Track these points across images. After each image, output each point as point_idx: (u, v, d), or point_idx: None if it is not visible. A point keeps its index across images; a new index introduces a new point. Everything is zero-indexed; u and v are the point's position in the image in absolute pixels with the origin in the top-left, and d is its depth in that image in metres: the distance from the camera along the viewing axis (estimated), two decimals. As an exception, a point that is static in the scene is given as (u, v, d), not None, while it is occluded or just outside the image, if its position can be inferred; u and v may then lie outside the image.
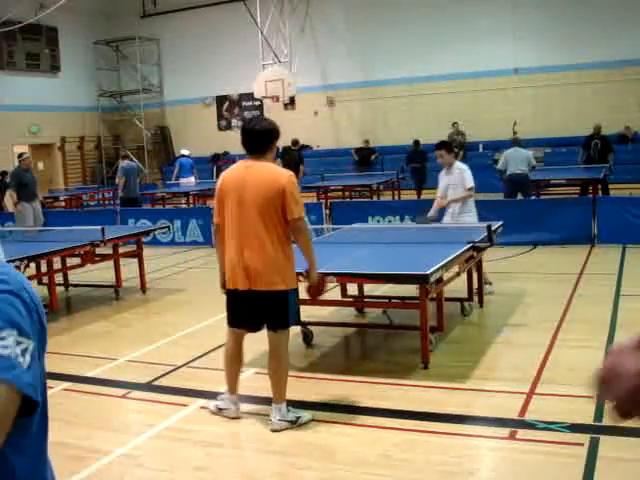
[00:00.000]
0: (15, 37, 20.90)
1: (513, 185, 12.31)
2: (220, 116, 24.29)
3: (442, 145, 7.89)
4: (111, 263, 8.88)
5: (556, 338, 6.08)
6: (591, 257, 9.59)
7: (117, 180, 15.32)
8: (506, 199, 12.05)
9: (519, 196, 12.34)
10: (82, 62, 23.82)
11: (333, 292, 6.94)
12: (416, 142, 17.52)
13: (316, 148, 22.25)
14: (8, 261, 6.88)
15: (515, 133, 16.83)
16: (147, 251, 9.57)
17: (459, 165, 7.78)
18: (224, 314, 4.65)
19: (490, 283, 7.77)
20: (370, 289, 7.35)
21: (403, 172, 17.36)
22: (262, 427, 4.53)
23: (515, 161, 12.31)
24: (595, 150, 15.00)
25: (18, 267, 7.05)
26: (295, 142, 17.79)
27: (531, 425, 4.33)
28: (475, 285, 7.19)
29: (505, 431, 4.32)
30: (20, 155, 12.89)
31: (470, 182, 7.60)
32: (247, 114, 23.42)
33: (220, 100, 24.18)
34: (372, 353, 6.21)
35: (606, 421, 4.31)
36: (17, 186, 12.31)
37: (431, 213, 7.94)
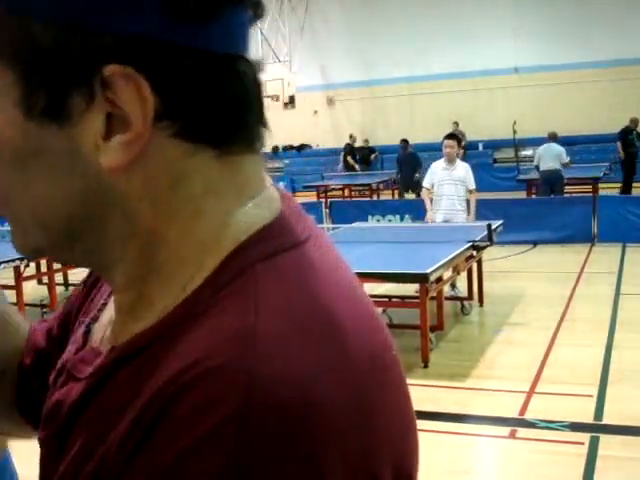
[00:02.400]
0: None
1: (545, 181, 12.20)
2: (220, 115, 24.30)
3: (455, 136, 7.83)
4: (111, 262, 8.85)
5: (556, 337, 6.08)
6: (591, 256, 9.58)
7: None
8: (512, 198, 12.00)
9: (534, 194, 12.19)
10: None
11: (333, 291, 6.93)
12: (404, 141, 16.43)
13: (316, 147, 22.26)
14: (8, 261, 6.87)
15: (515, 132, 16.82)
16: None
17: (463, 163, 7.69)
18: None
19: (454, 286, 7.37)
20: (370, 288, 7.35)
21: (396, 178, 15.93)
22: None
23: (546, 158, 12.15)
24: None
25: (18, 267, 7.05)
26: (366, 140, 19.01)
27: (531, 424, 4.33)
28: (475, 284, 7.19)
29: (505, 430, 4.32)
30: None
31: (474, 183, 7.57)
32: (247, 113, 23.41)
33: (220, 99, 24.18)
34: (372, 352, 6.20)
35: (606, 420, 4.32)
36: None
37: (429, 216, 7.76)
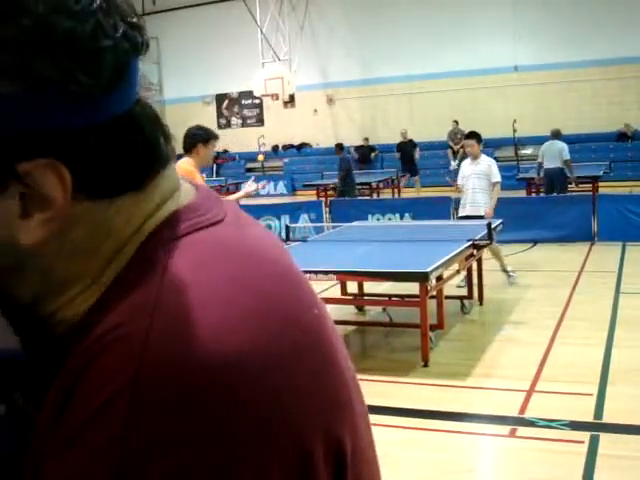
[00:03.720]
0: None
1: (548, 180, 12.08)
2: (220, 114, 24.28)
3: (473, 135, 8.17)
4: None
5: (556, 336, 6.08)
6: (591, 255, 9.58)
7: None
8: (512, 197, 11.93)
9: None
10: (81, 60, 23.77)
11: (333, 290, 6.94)
12: (339, 146, 15.72)
13: (315, 146, 22.25)
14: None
15: (515, 131, 16.81)
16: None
17: (487, 158, 8.07)
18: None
19: (508, 273, 7.99)
20: (370, 287, 7.35)
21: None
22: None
23: (549, 155, 12.01)
24: None
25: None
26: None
27: (531, 423, 4.33)
28: (475, 283, 7.19)
29: (505, 429, 4.32)
30: None
31: (498, 176, 7.95)
32: (247, 112, 23.42)
33: (220, 98, 24.17)
34: (372, 351, 6.21)
35: (606, 419, 4.32)
36: None
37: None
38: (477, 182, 7.86)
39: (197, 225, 0.56)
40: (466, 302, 7.01)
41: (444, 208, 10.95)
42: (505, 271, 7.96)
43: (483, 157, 8.00)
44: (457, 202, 10.64)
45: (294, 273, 0.58)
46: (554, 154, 11.95)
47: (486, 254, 7.49)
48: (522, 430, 4.26)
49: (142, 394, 0.46)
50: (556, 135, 12.41)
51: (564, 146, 12.07)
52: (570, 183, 12.31)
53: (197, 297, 0.50)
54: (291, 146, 22.54)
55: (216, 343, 0.47)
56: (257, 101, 22.36)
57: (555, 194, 11.75)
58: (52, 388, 0.52)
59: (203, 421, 0.46)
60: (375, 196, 16.41)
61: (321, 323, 0.56)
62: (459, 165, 17.81)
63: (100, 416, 0.46)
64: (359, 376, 0.61)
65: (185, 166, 5.42)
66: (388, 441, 4.19)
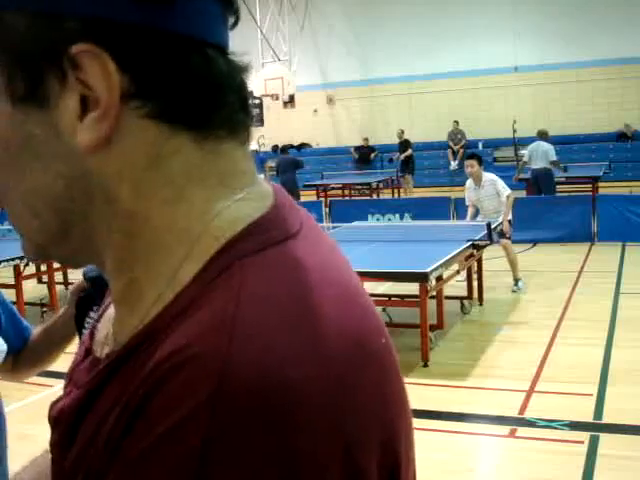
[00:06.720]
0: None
1: (534, 181, 11.92)
2: (220, 114, 24.27)
3: (474, 156, 7.97)
4: (111, 261, 8.84)
5: (556, 336, 6.08)
6: (591, 255, 9.58)
7: None
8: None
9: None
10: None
11: (333, 290, 6.94)
12: (283, 149, 15.98)
13: (315, 146, 22.25)
14: (8, 259, 6.87)
15: (515, 131, 16.80)
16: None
17: (488, 177, 7.84)
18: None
19: (517, 282, 7.78)
20: (370, 287, 7.35)
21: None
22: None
23: (535, 156, 11.83)
24: None
25: (18, 265, 7.05)
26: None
27: (531, 423, 4.33)
28: (475, 283, 7.19)
29: (505, 429, 4.32)
30: None
31: (507, 189, 7.71)
32: (247, 112, 23.39)
33: (219, 98, 24.14)
34: (372, 351, 6.20)
35: (606, 419, 4.32)
36: None
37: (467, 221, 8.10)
38: (490, 204, 7.74)
39: (275, 239, 0.54)
40: (466, 302, 7.01)
41: (444, 208, 10.96)
42: (515, 279, 7.74)
43: (485, 177, 7.77)
44: (457, 202, 10.69)
45: (363, 297, 0.58)
46: (540, 155, 11.78)
47: (487, 254, 7.49)
48: (522, 430, 4.27)
49: (223, 411, 0.45)
50: (542, 136, 12.32)
51: (550, 147, 11.91)
52: (559, 183, 12.25)
53: (272, 318, 0.49)
54: (291, 146, 22.54)
55: (293, 366, 0.47)
56: (257, 101, 22.35)
57: (542, 195, 11.68)
58: (111, 404, 0.52)
59: (278, 439, 0.46)
60: (375, 196, 16.41)
61: (388, 352, 0.56)
62: (459, 165, 17.89)
63: (178, 431, 0.45)
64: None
65: None
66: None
